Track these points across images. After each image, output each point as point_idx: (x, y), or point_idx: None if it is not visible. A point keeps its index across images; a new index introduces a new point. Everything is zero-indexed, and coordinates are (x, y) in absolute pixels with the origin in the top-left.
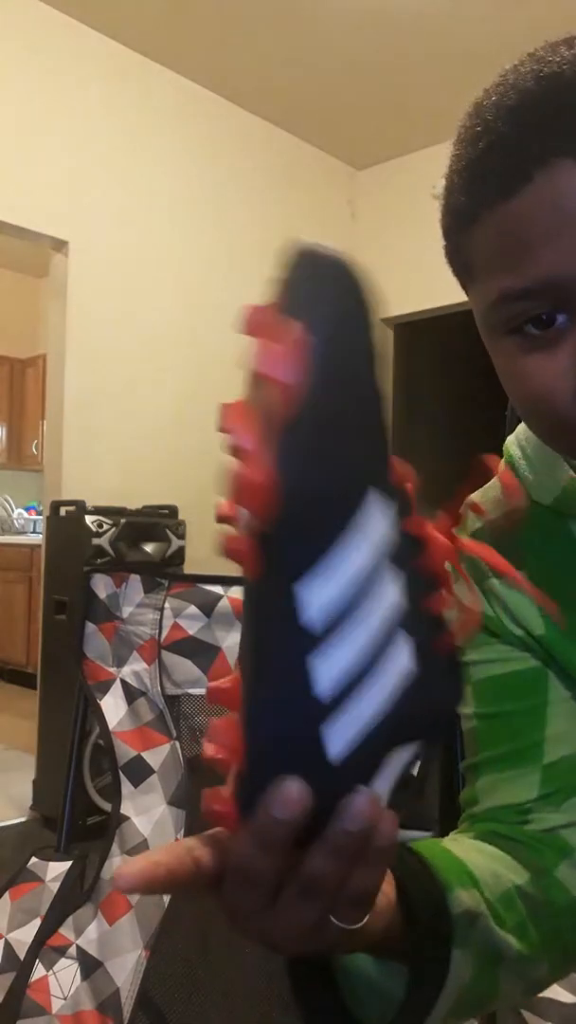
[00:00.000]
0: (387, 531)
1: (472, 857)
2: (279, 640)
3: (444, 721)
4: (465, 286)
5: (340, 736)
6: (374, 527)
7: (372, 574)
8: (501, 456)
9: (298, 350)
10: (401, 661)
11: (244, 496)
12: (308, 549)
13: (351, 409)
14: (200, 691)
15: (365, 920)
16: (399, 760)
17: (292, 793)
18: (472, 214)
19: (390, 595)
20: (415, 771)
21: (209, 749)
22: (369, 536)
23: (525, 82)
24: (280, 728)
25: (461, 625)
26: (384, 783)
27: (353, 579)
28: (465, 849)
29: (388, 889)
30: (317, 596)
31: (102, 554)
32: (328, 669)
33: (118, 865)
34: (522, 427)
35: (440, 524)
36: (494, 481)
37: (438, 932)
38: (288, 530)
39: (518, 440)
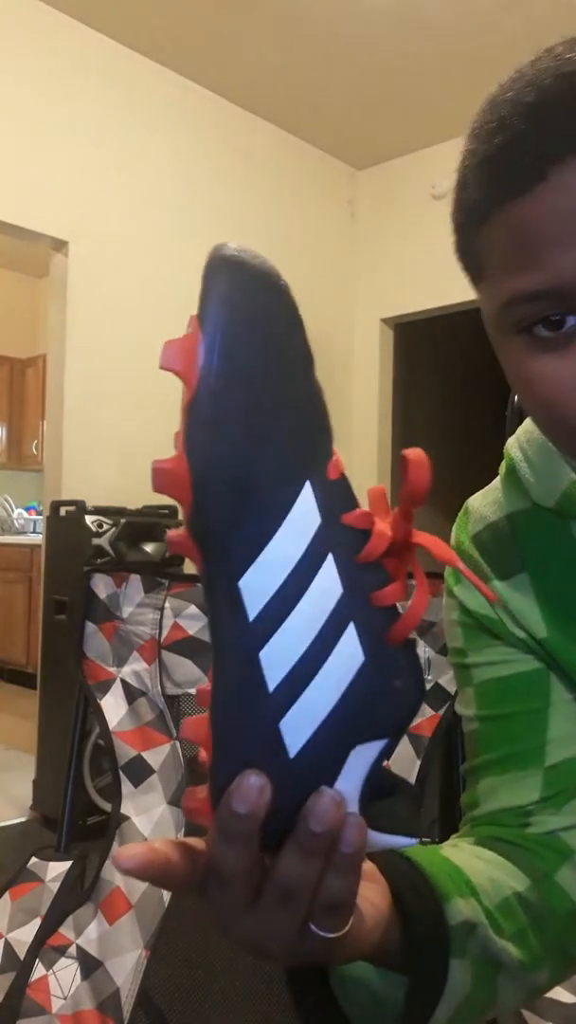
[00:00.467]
0: (323, 524)
1: (471, 864)
2: (229, 637)
3: (405, 715)
4: (474, 283)
5: (296, 732)
6: (308, 520)
7: (309, 567)
8: (502, 458)
9: (187, 341)
10: (349, 653)
11: (161, 483)
12: (244, 544)
13: (269, 402)
14: None
15: (346, 929)
16: (363, 759)
17: (251, 788)
18: (485, 211)
19: (331, 587)
20: (413, 779)
21: (201, 754)
22: (303, 529)
23: (543, 78)
24: (240, 726)
25: (407, 618)
26: (350, 784)
27: (290, 573)
28: (464, 856)
29: (380, 902)
30: (257, 591)
31: (102, 554)
32: (275, 664)
33: None
34: (523, 429)
35: (394, 519)
36: (496, 482)
37: (436, 943)
38: (217, 522)
39: (519, 442)
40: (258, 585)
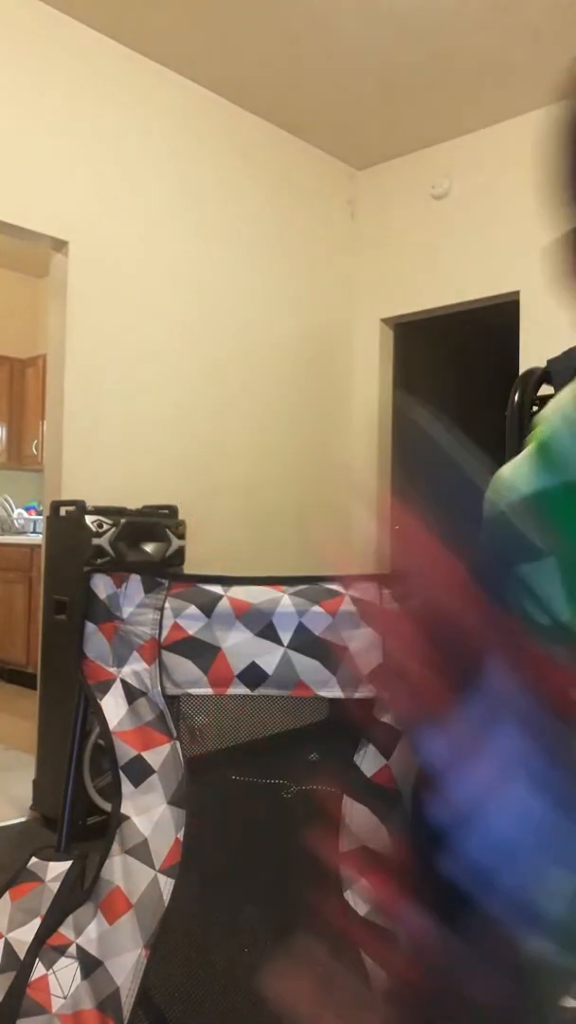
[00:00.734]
0: (509, 690)
1: None
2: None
3: None
4: None
5: (456, 867)
6: (494, 687)
7: (490, 725)
8: (503, 457)
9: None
10: (519, 801)
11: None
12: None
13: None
14: (200, 691)
15: None
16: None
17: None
18: None
19: (508, 744)
20: None
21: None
22: (489, 695)
23: None
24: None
25: None
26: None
27: (469, 729)
28: None
29: None
30: (437, 742)
31: (102, 554)
32: (443, 809)
33: (118, 864)
34: (564, 400)
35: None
36: (524, 455)
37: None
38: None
39: (562, 412)
40: (437, 737)
